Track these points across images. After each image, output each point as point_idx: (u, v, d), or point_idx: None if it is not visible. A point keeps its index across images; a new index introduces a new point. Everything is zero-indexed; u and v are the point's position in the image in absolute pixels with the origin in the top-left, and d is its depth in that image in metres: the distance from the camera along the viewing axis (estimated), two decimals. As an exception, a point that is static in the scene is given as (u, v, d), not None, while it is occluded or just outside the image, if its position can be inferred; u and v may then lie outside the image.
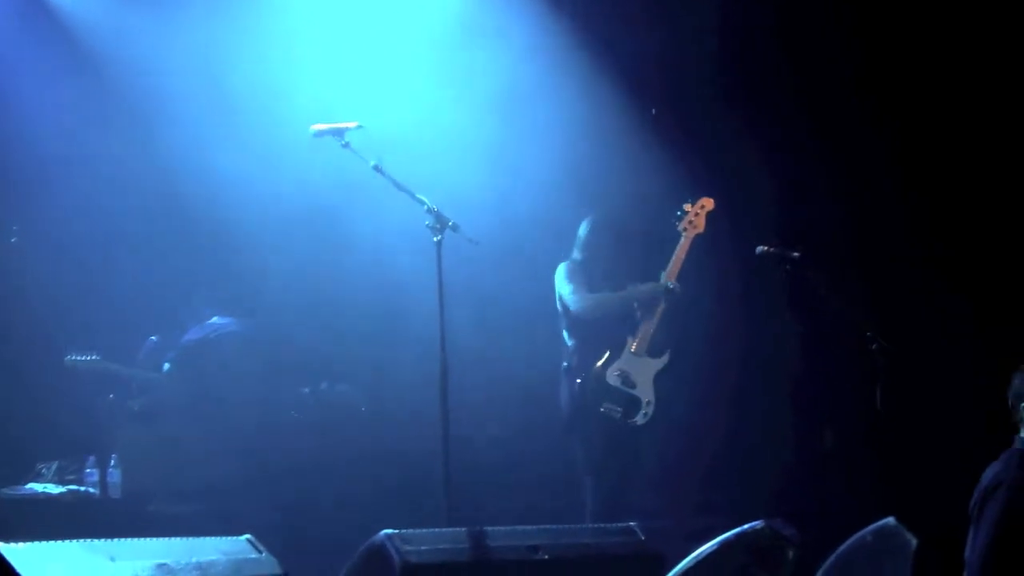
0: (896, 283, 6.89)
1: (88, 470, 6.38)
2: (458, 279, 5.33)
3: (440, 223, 5.14)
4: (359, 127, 5.26)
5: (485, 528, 4.24)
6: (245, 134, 6.72)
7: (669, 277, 6.04)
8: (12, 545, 3.35)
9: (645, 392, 5.99)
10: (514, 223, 6.72)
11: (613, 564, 4.38)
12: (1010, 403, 4.75)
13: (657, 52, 7.08)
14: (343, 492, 6.36)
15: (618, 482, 6.01)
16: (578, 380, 5.98)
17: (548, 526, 4.45)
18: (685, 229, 6.09)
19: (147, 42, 6.84)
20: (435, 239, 5.15)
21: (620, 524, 4.64)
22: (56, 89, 6.92)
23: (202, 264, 7.01)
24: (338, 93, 6.54)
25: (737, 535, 4.08)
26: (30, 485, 6.37)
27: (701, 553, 4.02)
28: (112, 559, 3.48)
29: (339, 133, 5.28)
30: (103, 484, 6.35)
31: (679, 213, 6.12)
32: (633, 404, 5.97)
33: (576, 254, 6.22)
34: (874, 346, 5.42)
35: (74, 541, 3.52)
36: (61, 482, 6.41)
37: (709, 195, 6.17)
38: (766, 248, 5.71)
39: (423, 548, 4.03)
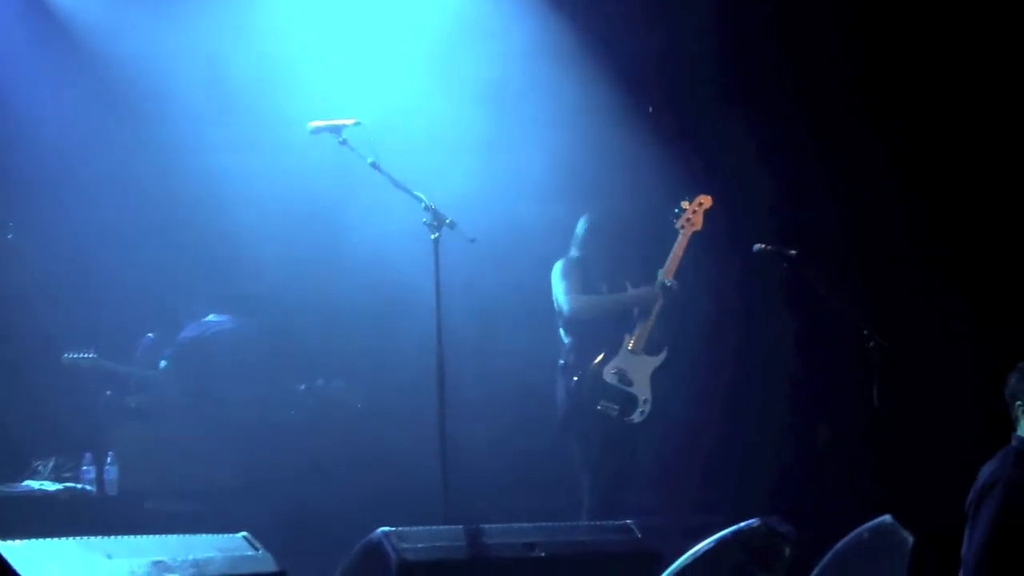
0: (894, 282, 6.90)
1: (85, 467, 6.38)
2: (455, 276, 5.32)
3: (437, 220, 5.14)
4: (357, 124, 5.25)
5: (482, 525, 4.24)
6: (242, 131, 6.72)
7: (666, 275, 6.03)
8: (8, 543, 3.35)
9: (642, 390, 5.99)
10: (512, 221, 6.71)
11: (610, 562, 4.38)
12: (1006, 402, 4.76)
13: (656, 51, 7.08)
14: (339, 489, 6.36)
15: (615, 480, 6.00)
16: (575, 378, 5.98)
17: (545, 524, 4.45)
18: (683, 227, 6.09)
19: (145, 41, 6.85)
20: (432, 236, 5.14)
21: (617, 522, 4.64)
22: (54, 88, 6.93)
23: (198, 262, 7.00)
24: (336, 90, 6.54)
25: (734, 533, 4.08)
26: (26, 482, 6.37)
27: (698, 551, 4.02)
28: (108, 556, 3.47)
29: (336, 130, 5.27)
30: (99, 481, 6.35)
31: (676, 210, 6.11)
32: (630, 402, 5.97)
33: (573, 252, 6.22)
34: (871, 344, 5.42)
35: (70, 539, 3.51)
36: (57, 479, 6.41)
37: (707, 193, 6.17)
38: (763, 246, 5.71)
39: (420, 546, 4.03)
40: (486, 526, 4.26)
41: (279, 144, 6.49)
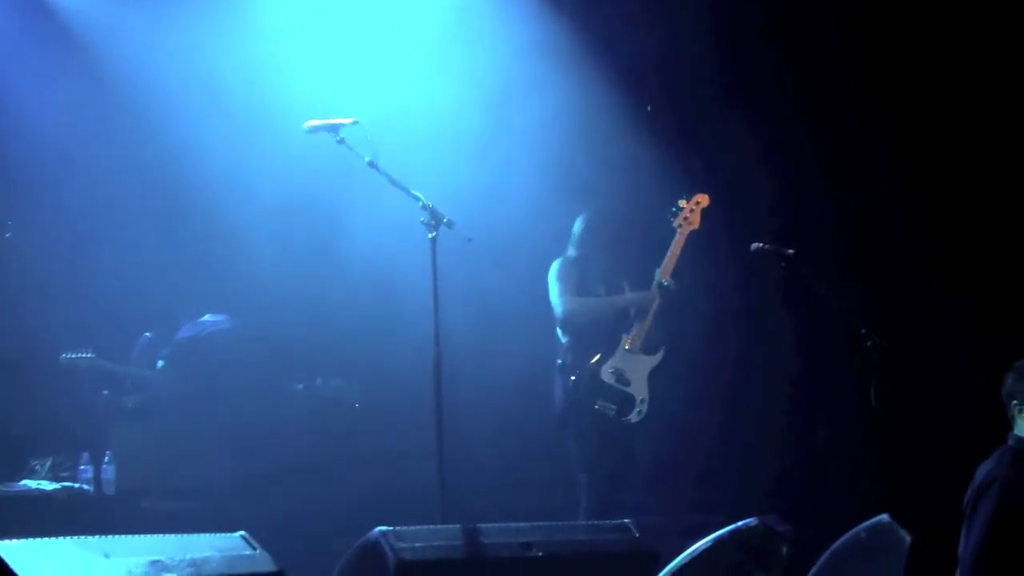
0: (893, 282, 6.90)
1: (82, 467, 6.38)
2: (453, 275, 5.32)
3: (435, 219, 5.14)
4: (354, 123, 5.25)
5: (479, 525, 4.23)
6: (239, 130, 6.72)
7: (664, 274, 6.04)
8: (6, 542, 3.34)
9: (639, 390, 5.99)
10: (510, 220, 6.71)
11: (607, 561, 4.37)
12: (1003, 401, 4.76)
13: (655, 50, 7.07)
14: (337, 488, 6.36)
15: (612, 479, 6.00)
16: (572, 377, 5.97)
17: (542, 523, 4.44)
18: (680, 225, 6.09)
19: (142, 40, 6.84)
20: (430, 236, 5.14)
21: (614, 521, 4.63)
22: (51, 87, 6.92)
23: (196, 261, 7.00)
24: (333, 89, 6.53)
25: (731, 532, 4.08)
26: (24, 482, 6.37)
27: (695, 550, 4.02)
28: (106, 556, 3.46)
29: (334, 129, 5.26)
30: (97, 481, 6.35)
31: (674, 209, 6.12)
32: (627, 402, 5.97)
33: (571, 251, 6.22)
34: (868, 343, 5.43)
35: (68, 538, 3.50)
36: (55, 479, 6.41)
37: (704, 192, 6.17)
38: (761, 245, 5.71)
39: (417, 545, 4.02)
40: (483, 525, 4.25)
41: (276, 143, 6.48)
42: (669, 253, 6.06)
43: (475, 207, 6.00)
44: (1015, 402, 4.70)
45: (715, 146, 7.06)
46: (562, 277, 6.11)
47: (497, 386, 6.81)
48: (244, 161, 6.73)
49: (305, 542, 5.56)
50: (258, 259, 6.89)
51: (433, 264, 5.09)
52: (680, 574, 3.97)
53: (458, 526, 4.23)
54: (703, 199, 6.14)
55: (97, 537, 3.54)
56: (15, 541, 3.37)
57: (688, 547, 4.07)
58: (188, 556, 3.60)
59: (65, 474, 6.45)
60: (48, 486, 6.29)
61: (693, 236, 6.10)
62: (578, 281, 6.11)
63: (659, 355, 6.07)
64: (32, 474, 6.48)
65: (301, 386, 6.94)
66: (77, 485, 6.34)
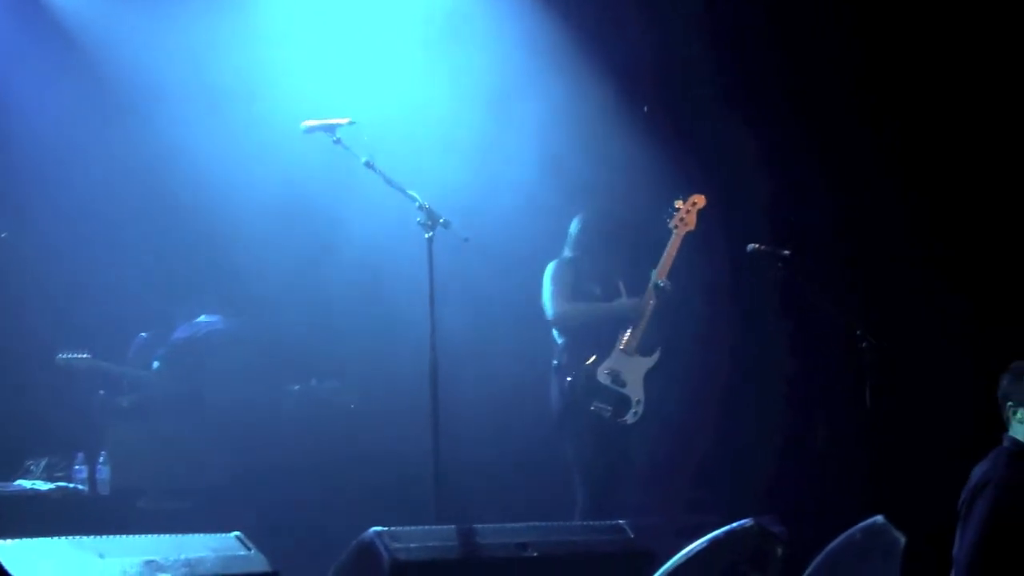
0: (891, 282, 6.90)
1: (77, 467, 6.37)
2: (449, 276, 5.32)
3: (431, 220, 5.14)
4: (351, 123, 5.25)
5: (474, 525, 4.24)
6: (235, 131, 6.71)
7: (660, 275, 6.03)
8: (1, 542, 3.34)
9: (635, 391, 5.99)
10: (506, 221, 6.71)
11: (602, 561, 4.38)
12: (998, 403, 4.77)
13: (651, 50, 7.07)
14: (333, 489, 6.36)
15: (608, 480, 6.00)
16: (568, 378, 5.97)
17: (537, 523, 4.44)
18: (676, 226, 6.08)
19: (140, 41, 6.84)
20: (426, 236, 5.14)
21: (609, 522, 4.64)
22: (48, 88, 6.92)
23: (192, 262, 7.00)
24: (329, 90, 6.53)
25: (726, 533, 4.08)
26: (18, 482, 6.36)
27: (690, 551, 4.02)
28: (101, 556, 3.46)
29: (330, 129, 5.27)
30: (92, 481, 6.34)
31: (670, 210, 6.12)
32: (623, 403, 5.97)
33: (567, 252, 6.22)
34: (863, 344, 5.43)
35: (63, 538, 3.50)
36: (50, 479, 6.40)
37: (701, 192, 6.17)
38: (757, 246, 5.71)
39: (412, 545, 4.02)
40: (479, 526, 4.25)
41: (273, 144, 6.48)
42: (665, 254, 6.06)
43: (471, 207, 6.00)
44: (1010, 403, 4.71)
45: (711, 147, 7.05)
46: (556, 279, 6.11)
47: (493, 387, 6.80)
48: (240, 162, 6.73)
49: (300, 542, 5.56)
50: (254, 259, 6.89)
51: (429, 264, 5.09)
52: (675, 575, 3.97)
53: (453, 526, 4.23)
54: (699, 200, 6.14)
55: (92, 537, 3.54)
56: (10, 541, 3.37)
57: (684, 548, 4.07)
58: (183, 556, 3.60)
59: (60, 474, 6.44)
60: (43, 486, 6.28)
61: (689, 237, 6.09)
62: (573, 283, 6.11)
63: (655, 356, 6.07)
64: (27, 474, 6.47)
65: (296, 387, 6.93)
66: (72, 485, 6.32)
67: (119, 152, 6.98)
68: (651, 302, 6.02)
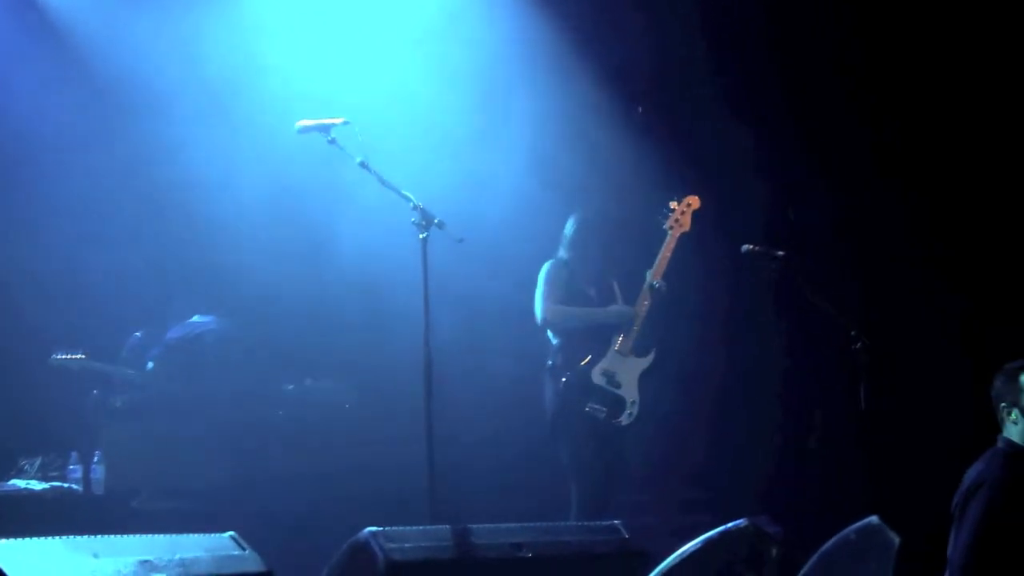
0: (887, 282, 6.91)
1: (71, 466, 6.36)
2: (443, 276, 5.32)
3: (426, 220, 5.13)
4: (345, 123, 5.25)
5: (469, 526, 4.23)
6: (229, 131, 6.71)
7: (655, 276, 6.03)
8: (-6, 541, 3.34)
9: (630, 392, 5.99)
10: (501, 221, 6.71)
11: (597, 562, 4.38)
12: (993, 403, 4.77)
13: (647, 51, 7.08)
14: (327, 489, 6.35)
15: (603, 480, 6.00)
16: (563, 379, 5.97)
17: (532, 524, 4.44)
18: (671, 227, 6.09)
19: (134, 40, 6.83)
20: (421, 236, 5.14)
21: (604, 522, 4.63)
22: (42, 87, 6.91)
23: (185, 261, 6.99)
24: (323, 89, 6.53)
25: (721, 533, 4.08)
26: (12, 481, 6.35)
27: (685, 551, 4.02)
28: (95, 556, 3.46)
29: (325, 129, 5.26)
30: (86, 481, 6.33)
31: (665, 211, 6.12)
32: (618, 404, 5.96)
33: (562, 252, 6.22)
34: (857, 345, 5.43)
35: (57, 538, 3.50)
36: (44, 478, 6.39)
37: (695, 193, 6.17)
38: (751, 247, 5.71)
39: (407, 546, 4.01)
40: (473, 526, 4.25)
41: (267, 144, 6.48)
42: (660, 255, 6.06)
43: (466, 208, 6.00)
44: (1004, 404, 4.71)
45: (707, 147, 7.06)
46: (549, 280, 6.10)
47: (488, 387, 6.81)
48: (234, 162, 6.73)
49: (294, 542, 5.55)
50: (248, 259, 6.88)
51: (424, 265, 5.09)
52: (670, 575, 3.97)
53: (448, 527, 4.23)
54: (694, 201, 6.14)
55: (86, 537, 3.53)
56: (4, 541, 3.36)
57: (679, 548, 4.08)
58: (177, 556, 3.60)
59: (54, 474, 6.43)
60: (37, 486, 6.27)
61: (684, 238, 6.09)
62: (567, 283, 6.11)
63: (650, 357, 6.07)
64: (21, 473, 6.45)
65: (291, 387, 6.93)
66: (66, 485, 6.31)
67: (113, 152, 6.97)
68: (646, 303, 6.02)
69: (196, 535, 3.76)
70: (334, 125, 5.24)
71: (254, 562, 3.77)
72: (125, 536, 3.64)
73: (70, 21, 6.95)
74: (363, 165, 5.20)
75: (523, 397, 6.41)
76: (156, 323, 6.98)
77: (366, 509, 5.56)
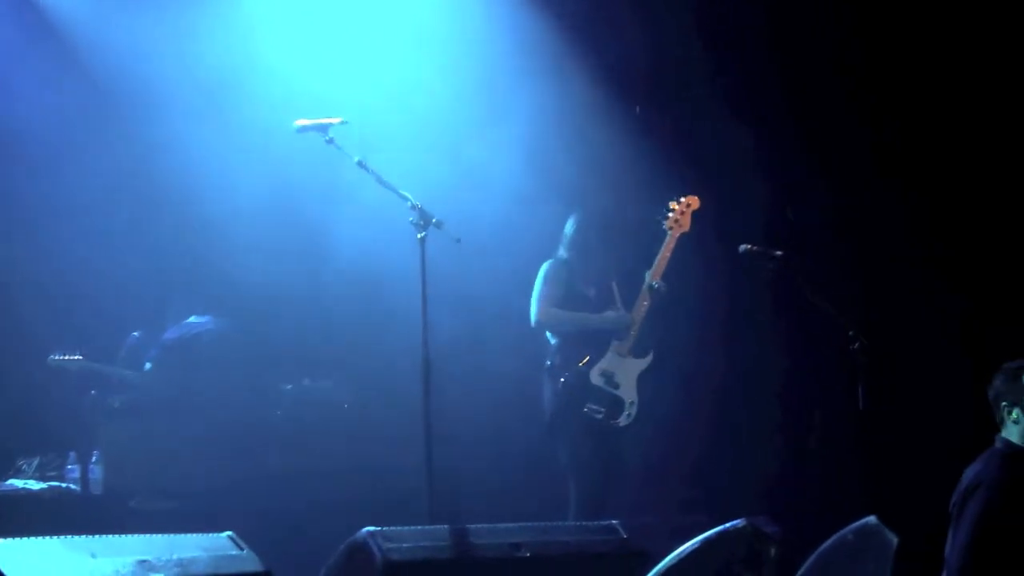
0: (887, 282, 6.91)
1: (69, 466, 6.38)
2: (441, 276, 5.32)
3: (424, 220, 5.13)
4: (343, 123, 5.24)
5: (467, 525, 4.23)
6: (227, 131, 6.71)
7: (654, 276, 6.03)
8: (-8, 541, 3.33)
9: (628, 392, 5.98)
10: (499, 221, 6.71)
11: (595, 561, 4.37)
12: (991, 403, 4.77)
13: (646, 50, 7.07)
14: (325, 489, 6.35)
15: (601, 480, 6.00)
16: (561, 379, 5.96)
17: (530, 524, 4.44)
18: (671, 228, 6.08)
19: (131, 40, 6.83)
20: (419, 236, 5.13)
21: (602, 522, 4.63)
22: (39, 87, 6.91)
23: (183, 262, 6.99)
24: (321, 89, 6.53)
25: (719, 533, 4.08)
26: (10, 481, 6.36)
27: (683, 551, 4.02)
28: (93, 555, 3.45)
29: (323, 129, 5.26)
30: (84, 480, 6.34)
31: (665, 211, 6.11)
32: (616, 405, 5.96)
33: (562, 252, 6.21)
34: (856, 345, 5.43)
35: (55, 537, 3.49)
36: (42, 478, 6.40)
37: (695, 193, 6.16)
38: (749, 247, 5.71)
39: (405, 546, 4.01)
40: (472, 526, 4.24)
41: (265, 143, 6.47)
42: (659, 255, 6.05)
43: (464, 207, 5.99)
44: (1004, 404, 4.71)
45: (706, 147, 7.06)
46: (548, 280, 6.08)
47: (486, 386, 6.81)
48: (232, 161, 6.73)
49: (292, 542, 5.55)
50: (246, 259, 6.88)
51: (422, 264, 5.08)
52: (668, 575, 3.97)
53: (446, 526, 4.22)
54: (693, 201, 6.13)
55: (84, 537, 3.53)
56: (2, 540, 3.36)
57: (677, 548, 4.07)
58: (175, 556, 3.59)
59: (52, 473, 6.44)
60: (35, 485, 6.28)
61: (684, 238, 6.09)
62: (566, 284, 6.10)
63: (648, 358, 6.06)
64: (19, 473, 6.47)
65: (289, 387, 6.93)
66: (64, 485, 6.33)
67: (111, 153, 6.99)
68: (645, 304, 6.02)
69: (194, 535, 3.76)
70: (332, 125, 5.24)
71: (252, 562, 3.76)
72: (123, 536, 3.64)
73: (69, 21, 6.95)
74: (361, 165, 5.20)
75: (522, 397, 6.40)
76: (154, 323, 6.98)
77: (364, 509, 5.57)
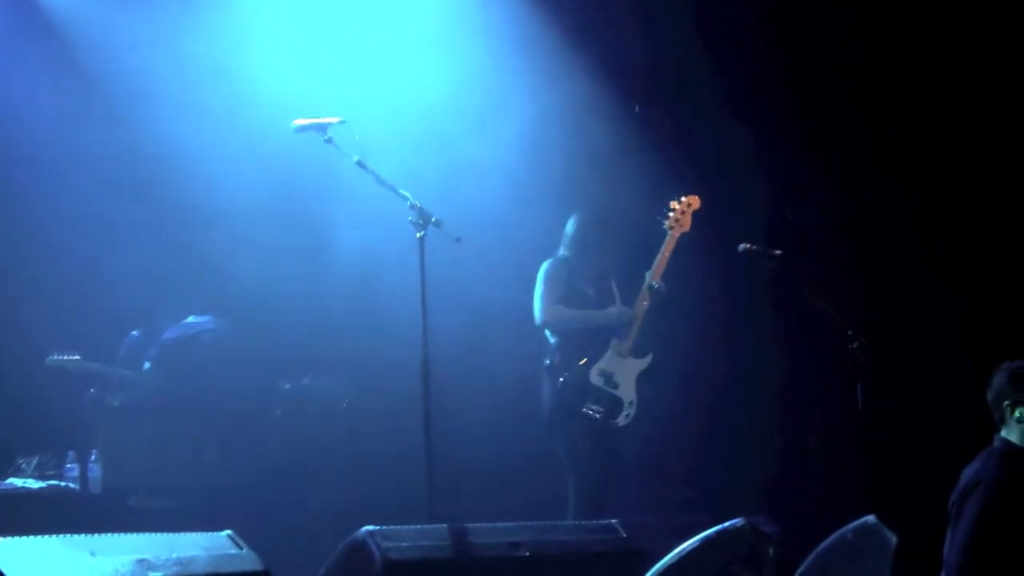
0: (887, 282, 6.91)
1: (69, 465, 6.37)
2: (441, 275, 5.32)
3: (423, 219, 5.13)
4: (342, 122, 5.24)
5: (466, 525, 4.23)
6: (226, 130, 6.71)
7: (654, 276, 6.02)
8: (-9, 540, 3.33)
9: (627, 392, 5.98)
10: (498, 220, 6.71)
11: (594, 560, 4.37)
12: (989, 402, 4.77)
13: (646, 50, 7.07)
14: (324, 487, 6.35)
15: (601, 479, 6.00)
16: (560, 379, 5.96)
17: (530, 523, 4.44)
18: (671, 227, 6.07)
19: (129, 39, 6.83)
20: (418, 235, 5.13)
21: (602, 521, 4.63)
22: (36, 87, 6.90)
23: (182, 261, 6.99)
24: (320, 88, 6.53)
25: (718, 532, 4.09)
26: (10, 480, 6.35)
27: (683, 550, 4.02)
28: (92, 554, 3.45)
29: (322, 128, 5.26)
30: (83, 479, 6.34)
31: (665, 211, 6.11)
32: (615, 405, 5.95)
33: (562, 251, 6.21)
34: (855, 344, 5.43)
35: (54, 536, 3.49)
36: (41, 477, 6.40)
37: (695, 193, 6.16)
38: (749, 246, 5.71)
39: (404, 545, 4.00)
40: (471, 525, 4.24)
41: (263, 143, 6.47)
42: (659, 255, 6.04)
43: (463, 206, 6.00)
44: (1007, 403, 4.70)
45: (707, 147, 7.06)
46: (549, 279, 6.09)
47: (486, 385, 6.81)
48: (231, 161, 6.72)
49: (292, 541, 5.56)
50: (246, 259, 6.88)
51: (421, 263, 5.08)
52: (667, 574, 3.97)
53: (445, 526, 4.22)
54: (694, 201, 6.13)
55: (83, 535, 3.52)
56: (1, 539, 3.35)
57: (676, 547, 4.08)
58: (174, 555, 3.59)
59: (51, 472, 6.44)
60: (34, 484, 6.28)
61: (684, 238, 6.08)
62: (566, 283, 6.10)
63: (648, 358, 6.06)
64: (18, 472, 6.46)
65: (288, 385, 6.93)
66: (63, 483, 6.32)
67: (110, 153, 6.98)
68: (645, 303, 6.01)
69: (193, 534, 3.75)
70: (331, 124, 5.24)
71: (251, 561, 3.76)
72: (122, 534, 3.63)
73: (67, 22, 6.95)
74: (360, 164, 5.20)
75: (521, 395, 6.40)
76: (153, 323, 6.98)
77: (363, 508, 5.57)
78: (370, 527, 4.00)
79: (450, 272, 5.86)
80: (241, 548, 3.79)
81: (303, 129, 5.30)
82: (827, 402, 6.55)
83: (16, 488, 6.24)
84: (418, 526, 4.24)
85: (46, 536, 3.48)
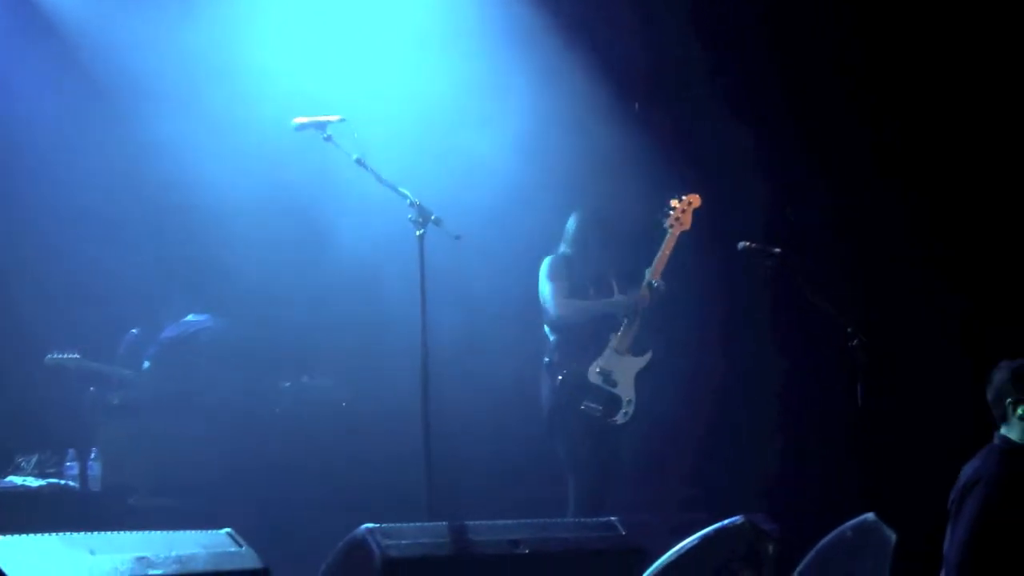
0: (887, 282, 6.92)
1: (68, 463, 6.35)
2: (440, 273, 5.32)
3: (423, 217, 5.13)
4: (341, 120, 5.24)
5: (466, 522, 4.23)
6: (224, 129, 6.71)
7: (654, 274, 6.02)
8: (-9, 538, 3.33)
9: (626, 391, 5.98)
10: (498, 218, 6.71)
11: (594, 558, 4.37)
12: (989, 400, 4.77)
13: (646, 49, 7.08)
14: (324, 486, 6.35)
15: (600, 477, 5.99)
16: (559, 377, 5.96)
17: (529, 520, 4.44)
18: (671, 226, 6.07)
19: (130, 39, 6.83)
20: (417, 233, 5.13)
21: (601, 519, 4.63)
22: (35, 85, 6.91)
23: (181, 260, 6.99)
24: (319, 86, 6.53)
25: (718, 530, 4.09)
26: (9, 478, 6.34)
27: (682, 548, 4.02)
28: (92, 552, 3.44)
29: (321, 126, 5.26)
30: (83, 477, 6.33)
31: (665, 209, 6.11)
32: (614, 403, 5.95)
33: (563, 248, 6.21)
34: (854, 343, 5.43)
35: (53, 534, 3.49)
36: (41, 475, 6.38)
37: (696, 192, 6.16)
38: (748, 244, 5.71)
39: (404, 542, 4.00)
40: (471, 523, 4.24)
41: (262, 141, 6.47)
42: (660, 254, 6.05)
43: (463, 205, 6.00)
44: (1009, 400, 4.70)
45: (708, 146, 7.06)
46: (554, 276, 6.09)
47: (485, 384, 6.81)
48: (230, 159, 6.72)
49: (291, 539, 5.55)
50: (245, 257, 6.88)
51: (421, 262, 5.08)
52: (667, 572, 3.97)
53: (445, 523, 4.22)
54: (695, 199, 6.13)
55: (83, 534, 3.52)
56: (1, 538, 3.35)
57: (676, 545, 4.07)
58: (174, 553, 3.59)
59: (51, 470, 6.42)
60: (34, 482, 6.26)
61: (684, 237, 6.09)
62: (568, 279, 6.10)
63: (647, 356, 6.06)
64: (18, 470, 6.45)
65: (287, 384, 6.93)
66: (63, 482, 6.31)
67: (109, 151, 6.98)
68: (645, 302, 6.01)
69: (193, 532, 3.75)
70: (330, 122, 5.24)
71: (251, 559, 3.76)
72: (122, 533, 3.63)
73: (68, 22, 6.95)
74: (359, 162, 5.20)
75: (520, 394, 6.40)
76: (152, 321, 6.98)
77: (363, 506, 5.55)
78: (370, 525, 4.00)
79: (450, 270, 5.86)
80: (241, 546, 3.79)
81: (303, 127, 5.31)
82: (827, 400, 6.55)
83: (15, 486, 6.22)
84: (418, 524, 4.25)
85: (46, 534, 3.48)
